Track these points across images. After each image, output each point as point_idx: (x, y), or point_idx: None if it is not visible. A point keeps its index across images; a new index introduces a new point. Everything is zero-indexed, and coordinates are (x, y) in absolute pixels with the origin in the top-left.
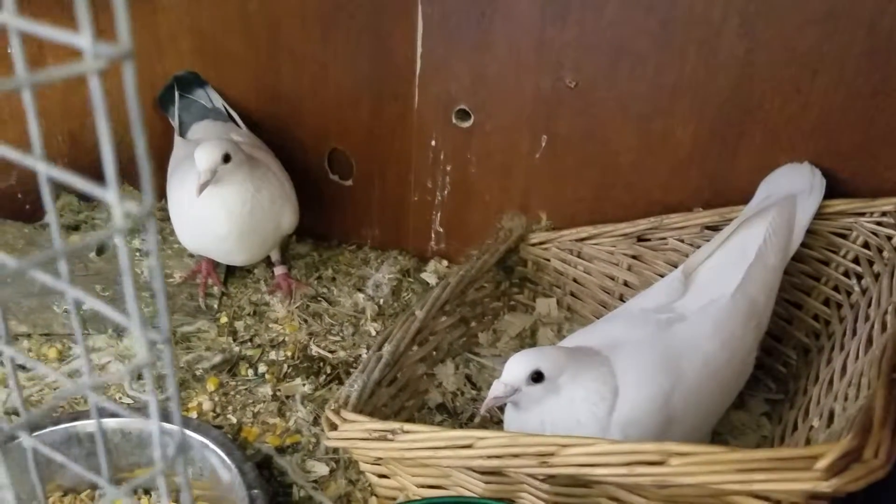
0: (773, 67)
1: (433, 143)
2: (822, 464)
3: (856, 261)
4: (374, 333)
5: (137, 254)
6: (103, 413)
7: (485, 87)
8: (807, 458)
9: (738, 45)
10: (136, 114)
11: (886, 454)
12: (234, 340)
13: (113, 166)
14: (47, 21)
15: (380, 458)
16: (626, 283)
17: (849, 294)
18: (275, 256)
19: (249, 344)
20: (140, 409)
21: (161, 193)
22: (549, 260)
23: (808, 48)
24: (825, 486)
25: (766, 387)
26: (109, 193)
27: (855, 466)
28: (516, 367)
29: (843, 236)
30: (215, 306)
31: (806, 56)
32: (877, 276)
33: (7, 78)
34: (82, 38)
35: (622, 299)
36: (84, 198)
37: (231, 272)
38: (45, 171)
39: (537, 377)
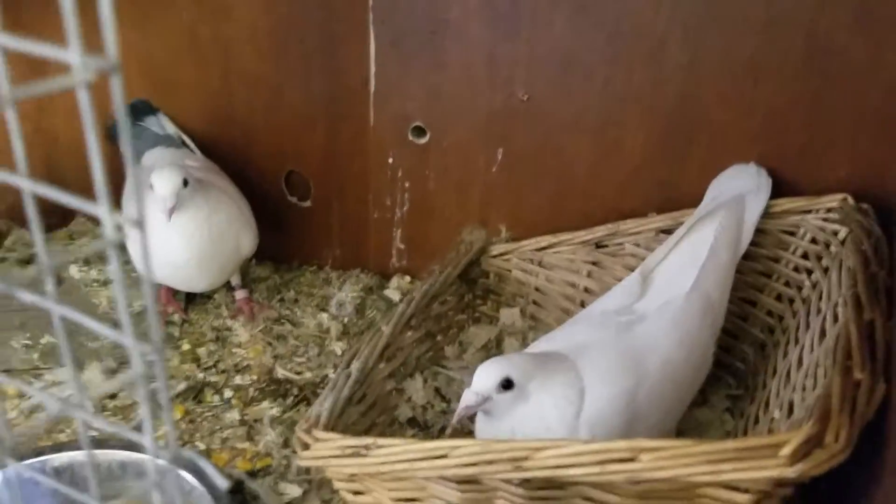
0: (717, 75)
1: (390, 160)
2: (786, 450)
3: (805, 256)
4: (339, 353)
5: (94, 284)
6: (90, 440)
7: (439, 104)
8: (772, 447)
9: (681, 55)
10: (125, 124)
11: (846, 438)
12: (198, 367)
13: (102, 177)
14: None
15: (354, 475)
16: (586, 290)
17: (800, 289)
18: (235, 280)
19: (214, 370)
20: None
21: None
22: (510, 270)
23: (749, 56)
24: (790, 472)
25: (726, 383)
26: (100, 207)
27: (817, 452)
28: (486, 376)
29: (792, 233)
30: (176, 334)
31: (747, 64)
32: (825, 270)
33: None
34: (70, 53)
35: (583, 305)
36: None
37: (191, 298)
38: (31, 187)
39: (507, 384)
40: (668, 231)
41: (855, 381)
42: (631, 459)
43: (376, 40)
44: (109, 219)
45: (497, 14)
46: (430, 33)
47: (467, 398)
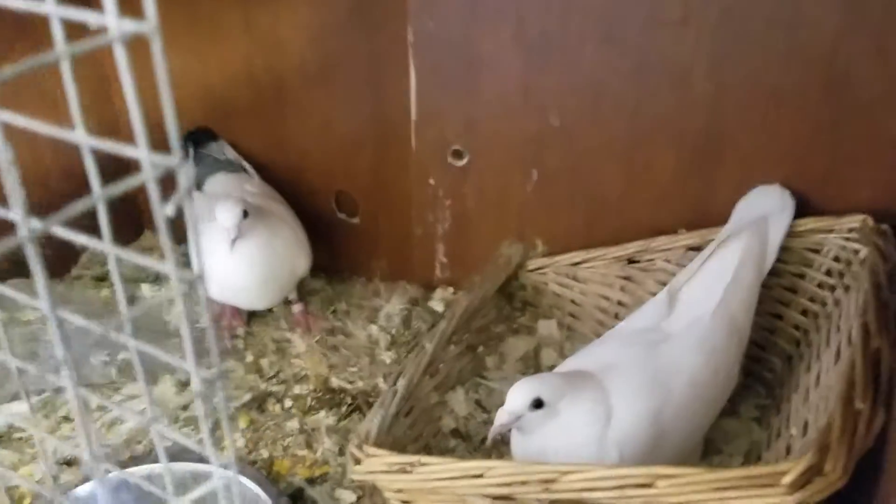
0: (742, 102)
1: (431, 181)
2: (787, 479)
3: (828, 273)
4: (388, 362)
5: (166, 302)
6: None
7: (476, 130)
8: (774, 475)
9: (707, 84)
10: (167, 93)
11: (844, 467)
12: (261, 377)
13: (168, 237)
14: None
15: (401, 489)
16: (619, 303)
17: (824, 305)
18: (292, 295)
19: (275, 380)
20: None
21: (181, 240)
22: (547, 284)
23: (772, 84)
24: (790, 501)
25: (756, 392)
26: (168, 265)
27: (816, 480)
28: (518, 396)
29: (816, 251)
30: (241, 346)
31: (771, 91)
32: (847, 288)
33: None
34: (108, 16)
35: (617, 318)
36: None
37: (252, 312)
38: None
39: (538, 404)
40: (696, 248)
41: (856, 410)
42: (648, 485)
43: (416, 72)
44: (175, 273)
45: (529, 46)
46: (465, 64)
47: (500, 417)
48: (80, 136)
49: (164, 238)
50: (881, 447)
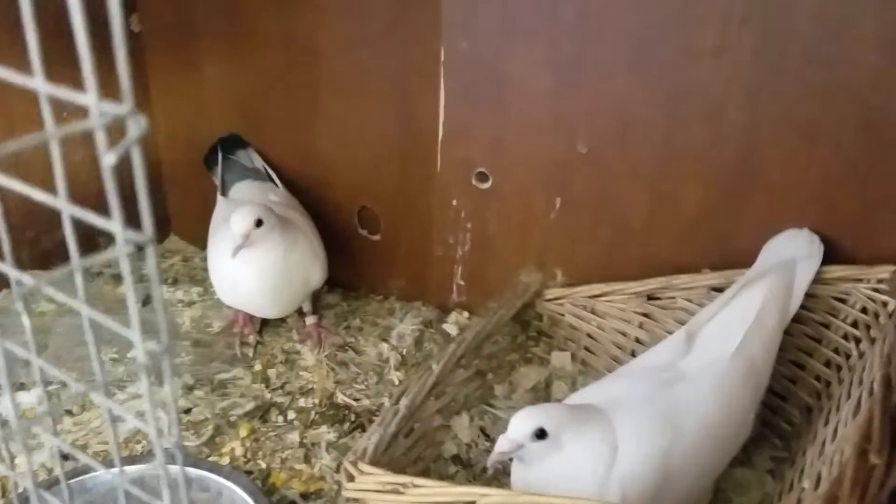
0: (774, 138)
1: (454, 202)
2: None
3: (854, 325)
4: (397, 382)
5: (179, 304)
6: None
7: (502, 152)
8: None
9: (740, 117)
10: (140, 175)
11: None
12: (267, 387)
13: (115, 194)
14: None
15: None
16: (637, 340)
17: (848, 357)
18: (306, 307)
19: (281, 391)
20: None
21: (204, 246)
22: (563, 315)
23: (807, 121)
24: None
25: (771, 444)
26: (114, 224)
27: None
28: (520, 424)
29: (843, 300)
30: (250, 354)
31: (804, 128)
32: (873, 341)
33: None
34: (89, 97)
35: (633, 355)
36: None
37: (265, 321)
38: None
39: (541, 434)
40: (719, 289)
41: (870, 465)
42: None
43: (446, 91)
44: (122, 234)
45: (560, 69)
46: (496, 85)
47: (501, 445)
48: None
49: (109, 189)
50: None
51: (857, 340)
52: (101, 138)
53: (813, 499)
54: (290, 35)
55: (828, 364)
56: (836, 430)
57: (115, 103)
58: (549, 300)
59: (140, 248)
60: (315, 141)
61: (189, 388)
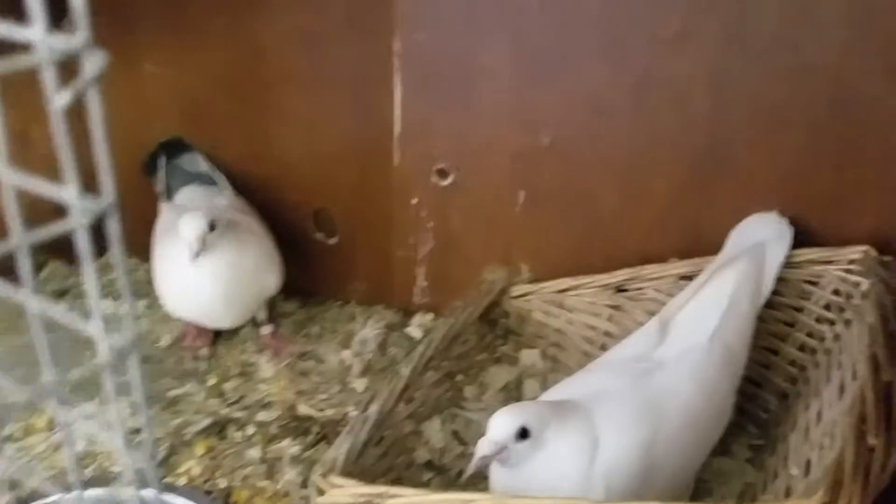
0: (743, 121)
1: (415, 200)
2: None
3: (827, 307)
4: (360, 390)
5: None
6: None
7: (464, 146)
8: None
9: (707, 102)
10: (99, 124)
11: None
12: (223, 402)
13: (71, 160)
14: None
15: None
16: (607, 333)
17: (822, 340)
18: (261, 316)
19: (238, 405)
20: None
21: (147, 257)
22: (531, 312)
23: (775, 102)
24: None
25: (748, 432)
26: (68, 190)
27: None
28: (502, 425)
29: (814, 283)
30: (204, 368)
31: (773, 110)
32: (847, 323)
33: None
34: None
35: (604, 349)
36: (73, 260)
37: (218, 332)
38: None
39: (523, 433)
40: (689, 277)
41: (869, 447)
42: None
43: (403, 84)
44: (78, 203)
45: (524, 58)
46: (456, 77)
47: (483, 447)
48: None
49: (62, 141)
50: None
51: (832, 323)
52: (49, 78)
53: (807, 484)
54: (236, 31)
55: (802, 348)
56: (819, 415)
57: (68, 36)
58: (516, 297)
59: (99, 220)
60: (265, 141)
61: (137, 407)
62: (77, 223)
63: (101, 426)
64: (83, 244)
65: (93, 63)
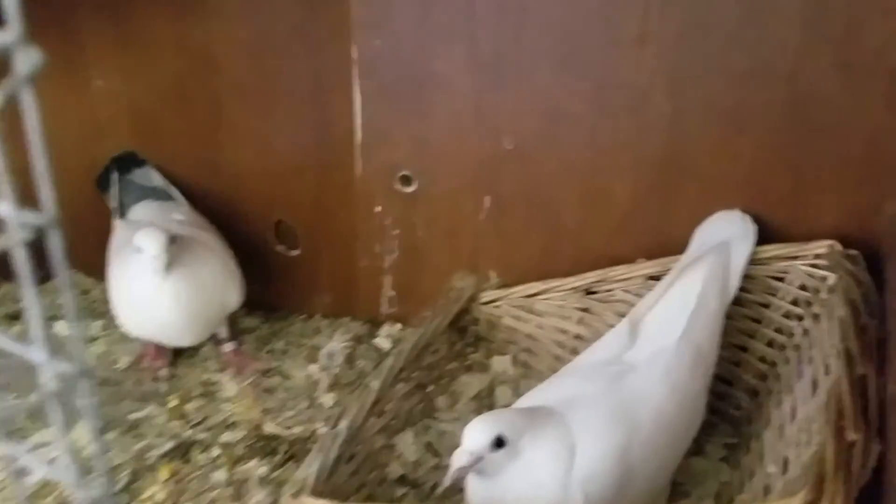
0: (701, 124)
1: (378, 209)
2: None
3: (795, 303)
4: (329, 405)
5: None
6: None
7: (426, 154)
8: None
9: (665, 105)
10: (36, 130)
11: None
12: (186, 424)
13: (6, 173)
14: None
15: None
16: (577, 337)
17: (791, 336)
18: (223, 333)
19: (201, 426)
20: None
21: (102, 276)
22: (501, 318)
23: (733, 105)
24: None
25: (721, 431)
26: (3, 205)
27: None
28: (478, 434)
29: (780, 279)
30: (164, 389)
31: (731, 113)
32: (816, 317)
33: None
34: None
35: (575, 352)
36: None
37: (178, 351)
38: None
39: (499, 442)
40: (657, 277)
41: (849, 442)
42: None
43: (362, 92)
44: (15, 216)
45: (482, 66)
46: (415, 84)
47: (459, 459)
48: None
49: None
50: (877, 482)
51: (800, 318)
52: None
53: (785, 482)
54: (185, 41)
55: (771, 344)
56: (794, 411)
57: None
58: (485, 303)
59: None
60: (220, 153)
61: (101, 432)
62: (14, 240)
63: (59, 454)
64: (21, 262)
65: (26, 61)
